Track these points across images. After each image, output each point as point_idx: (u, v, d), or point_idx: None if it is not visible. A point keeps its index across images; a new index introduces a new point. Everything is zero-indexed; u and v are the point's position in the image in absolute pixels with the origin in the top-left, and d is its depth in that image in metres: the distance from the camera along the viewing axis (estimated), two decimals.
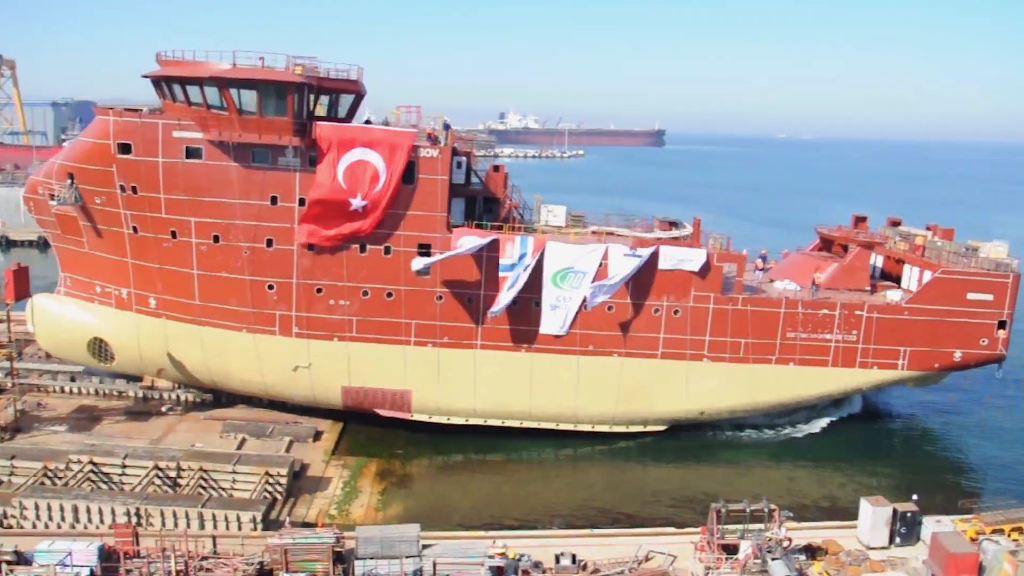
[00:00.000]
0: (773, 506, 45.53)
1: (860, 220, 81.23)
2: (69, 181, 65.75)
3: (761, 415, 70.75)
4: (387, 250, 63.74)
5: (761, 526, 44.91)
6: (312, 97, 62.79)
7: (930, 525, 47.51)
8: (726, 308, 65.59)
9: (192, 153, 62.48)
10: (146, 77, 66.67)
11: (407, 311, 64.78)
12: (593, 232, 67.12)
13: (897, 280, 73.95)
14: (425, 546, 44.42)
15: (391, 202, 61.83)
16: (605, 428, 68.53)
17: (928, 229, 78.18)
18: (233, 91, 60.63)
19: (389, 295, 64.52)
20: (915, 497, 50.54)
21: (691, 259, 63.88)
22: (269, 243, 63.55)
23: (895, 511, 48.15)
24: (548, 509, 57.74)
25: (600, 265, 63.52)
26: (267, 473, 55.37)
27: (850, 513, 52.16)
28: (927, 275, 68.30)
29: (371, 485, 59.77)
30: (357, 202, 61.16)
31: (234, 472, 55.37)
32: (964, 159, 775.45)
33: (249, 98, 61.02)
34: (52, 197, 67.47)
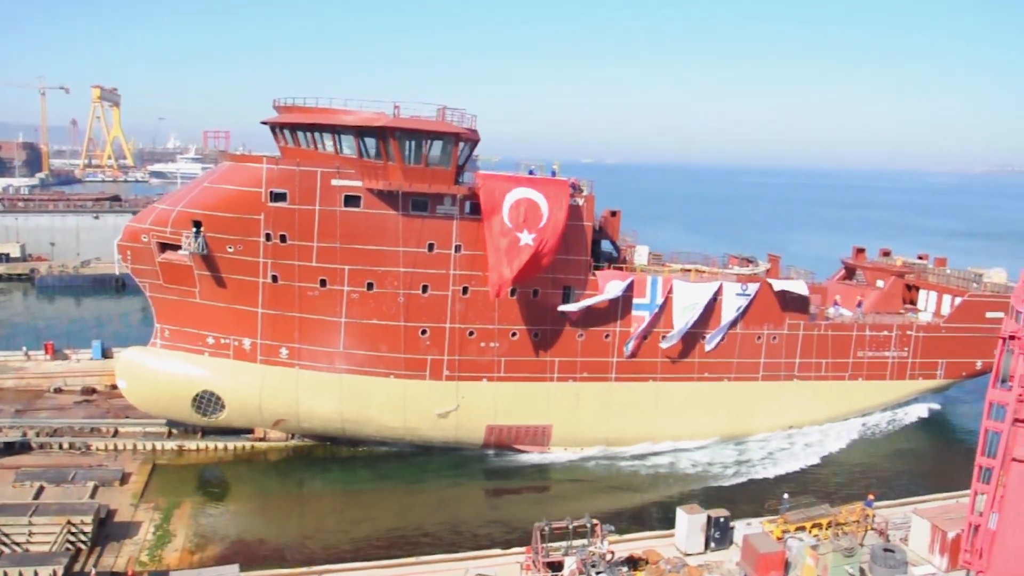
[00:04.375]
0: (595, 521, 45.88)
1: (859, 251, 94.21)
2: (195, 230, 62.89)
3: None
4: (535, 293, 66.96)
5: (584, 541, 45.25)
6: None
7: (741, 528, 49.85)
8: (812, 333, 75.00)
9: (350, 201, 62.40)
10: (266, 124, 65.85)
11: (552, 350, 68.20)
12: (708, 272, 73.90)
13: (910, 303, 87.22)
14: None
15: (559, 241, 63.69)
16: (712, 440, 74.98)
17: (920, 258, 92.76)
18: (398, 141, 61.59)
19: (536, 335, 67.63)
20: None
21: (797, 288, 72.52)
22: (424, 289, 64.61)
23: (709, 517, 50.01)
24: (372, 538, 55.99)
25: (715, 300, 70.73)
26: (69, 522, 50.98)
27: (668, 522, 53.62)
28: (947, 298, 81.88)
29: (185, 527, 56.05)
30: (525, 237, 63.01)
31: (30, 524, 50.71)
32: (762, 182, 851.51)
33: (411, 148, 62.31)
34: (163, 246, 64.29)
